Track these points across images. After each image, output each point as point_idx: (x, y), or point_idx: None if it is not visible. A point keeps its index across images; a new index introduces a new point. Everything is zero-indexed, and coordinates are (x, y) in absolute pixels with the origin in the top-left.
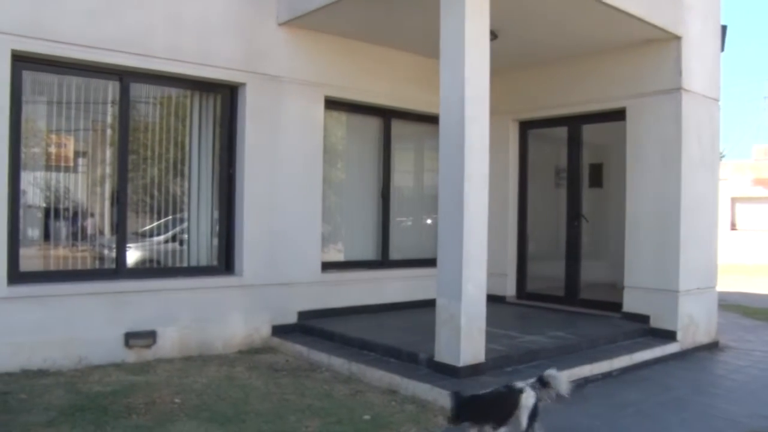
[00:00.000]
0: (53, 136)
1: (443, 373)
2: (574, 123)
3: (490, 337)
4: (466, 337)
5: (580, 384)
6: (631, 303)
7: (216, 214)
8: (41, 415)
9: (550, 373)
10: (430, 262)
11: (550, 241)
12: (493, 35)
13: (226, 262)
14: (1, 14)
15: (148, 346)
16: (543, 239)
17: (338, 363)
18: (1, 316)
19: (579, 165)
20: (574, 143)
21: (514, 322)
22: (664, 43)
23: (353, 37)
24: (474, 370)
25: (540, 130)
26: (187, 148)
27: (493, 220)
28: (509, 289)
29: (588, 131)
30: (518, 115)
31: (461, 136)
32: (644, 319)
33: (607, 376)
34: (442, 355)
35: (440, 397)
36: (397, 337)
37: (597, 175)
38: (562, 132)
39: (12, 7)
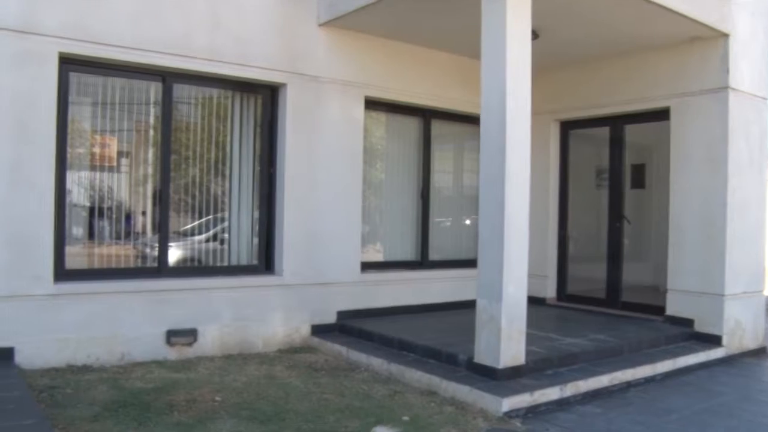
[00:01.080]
0: (97, 137)
1: (483, 374)
2: (617, 123)
3: (530, 339)
4: (506, 339)
5: (623, 388)
6: (674, 306)
7: (256, 214)
8: (86, 410)
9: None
10: (470, 263)
11: (591, 243)
12: (535, 34)
13: (266, 261)
14: (49, 19)
15: (189, 344)
16: (584, 241)
17: (377, 363)
18: (48, 313)
19: (621, 165)
20: (616, 143)
21: (554, 325)
22: (711, 40)
23: (393, 37)
24: (514, 372)
25: (581, 131)
26: (227, 148)
27: (533, 221)
28: (549, 291)
29: (630, 131)
30: (559, 115)
31: (502, 136)
32: (688, 322)
33: (650, 380)
34: (481, 356)
35: (480, 399)
36: (436, 338)
37: (639, 176)
38: (604, 132)
39: (59, 12)
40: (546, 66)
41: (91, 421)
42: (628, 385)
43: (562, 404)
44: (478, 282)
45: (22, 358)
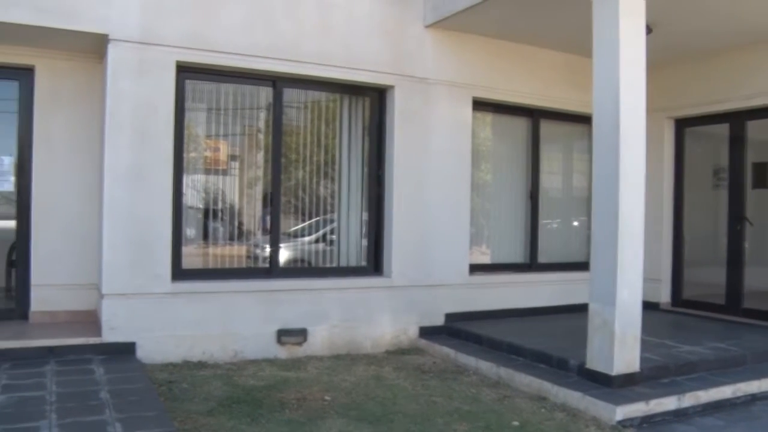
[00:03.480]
0: (210, 141)
1: (595, 381)
2: (737, 119)
3: (644, 345)
4: (620, 345)
5: (747, 401)
6: None
7: (365, 216)
8: (202, 405)
9: None
10: (579, 266)
11: (709, 246)
12: (648, 29)
13: (374, 263)
14: (167, 30)
15: (299, 344)
16: (701, 243)
17: (486, 366)
18: (166, 310)
19: (742, 164)
20: (737, 141)
21: (669, 331)
22: None
23: (500, 36)
24: (628, 379)
25: (698, 128)
26: (336, 150)
27: (647, 222)
28: (663, 296)
29: (753, 128)
30: (674, 112)
31: (615, 134)
32: None
33: None
34: (594, 362)
35: (592, 406)
36: (545, 342)
37: (762, 175)
38: (723, 129)
39: (177, 23)
40: (659, 61)
41: (207, 416)
42: (753, 398)
43: (679, 415)
44: (590, 285)
45: (142, 353)
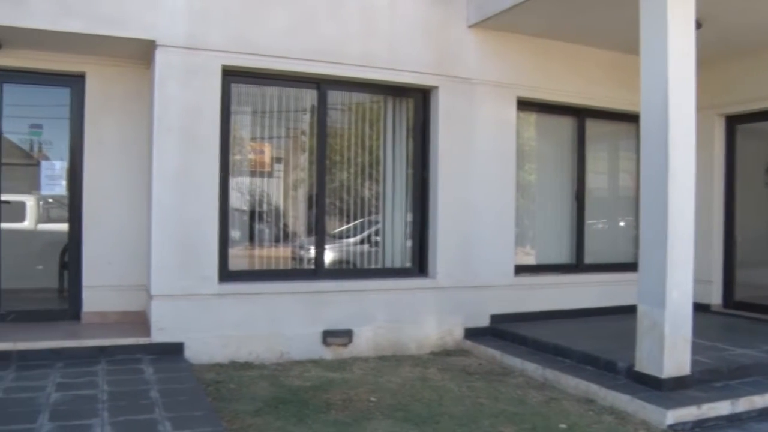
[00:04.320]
0: (255, 144)
1: (644, 384)
2: None
3: (695, 348)
4: (670, 347)
5: None
6: None
7: (409, 217)
8: (249, 405)
9: None
10: (626, 267)
11: (762, 246)
12: (698, 24)
13: (419, 264)
14: (214, 35)
15: (345, 345)
16: (753, 243)
17: (532, 368)
18: (213, 311)
19: None
20: None
21: (721, 333)
22: None
23: (544, 35)
24: (678, 383)
25: (749, 125)
26: (380, 151)
27: (697, 222)
28: (714, 297)
29: None
30: (724, 109)
31: (664, 133)
32: None
33: None
34: (643, 364)
35: (641, 409)
36: (592, 343)
37: None
38: None
39: (223, 28)
40: (709, 57)
41: (254, 416)
42: None
43: (733, 420)
44: (639, 286)
45: (190, 353)
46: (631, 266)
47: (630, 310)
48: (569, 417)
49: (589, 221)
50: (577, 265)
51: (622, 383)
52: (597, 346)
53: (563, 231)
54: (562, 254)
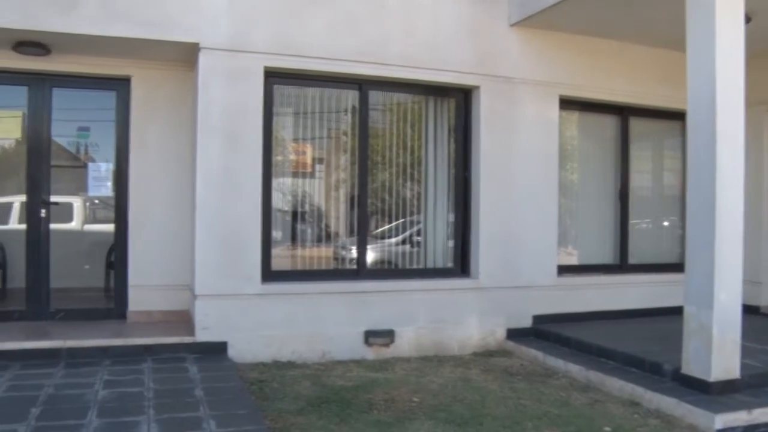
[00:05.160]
0: (296, 145)
1: (691, 387)
2: None
3: (744, 351)
4: (718, 350)
5: None
6: None
7: (451, 217)
8: (291, 404)
9: None
10: (671, 267)
11: None
12: (747, 18)
13: (461, 264)
14: (256, 37)
15: (387, 345)
16: None
17: (575, 370)
18: (257, 311)
19: None
20: None
21: None
22: None
23: (586, 33)
24: (727, 386)
25: None
26: (421, 152)
27: (746, 221)
28: (764, 299)
29: None
30: None
31: (712, 130)
32: None
33: None
34: (689, 367)
35: (689, 413)
36: (637, 345)
37: None
38: None
39: (265, 30)
40: (759, 52)
41: (297, 415)
42: None
43: None
44: (685, 287)
45: (234, 352)
46: (676, 267)
47: (675, 312)
48: (614, 419)
49: (632, 221)
50: (621, 265)
51: (668, 386)
52: (642, 347)
53: (606, 231)
54: (605, 254)
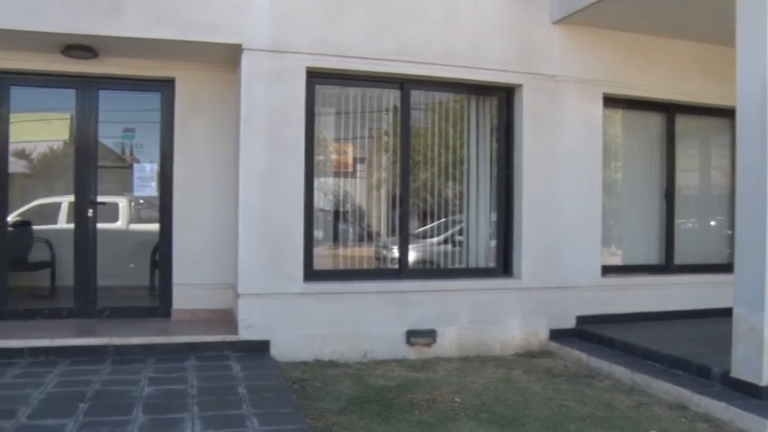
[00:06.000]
0: (337, 144)
1: (740, 391)
2: None
3: None
4: None
5: None
6: None
7: (493, 216)
8: (333, 403)
9: None
10: (718, 268)
11: None
12: None
13: (504, 264)
14: (298, 38)
15: (428, 345)
16: None
17: (619, 372)
18: (299, 310)
19: None
20: None
21: None
22: None
23: (631, 29)
24: None
25: None
26: (463, 151)
27: None
28: None
29: None
30: None
31: (762, 127)
32: None
33: None
34: (739, 370)
35: (739, 418)
36: (683, 347)
37: None
38: None
39: (307, 31)
40: None
41: (338, 414)
42: None
43: None
44: (735, 289)
45: (276, 351)
46: (724, 267)
47: (722, 314)
48: (660, 423)
49: (678, 220)
50: (667, 265)
51: (716, 390)
52: (688, 350)
53: (651, 231)
54: (650, 254)
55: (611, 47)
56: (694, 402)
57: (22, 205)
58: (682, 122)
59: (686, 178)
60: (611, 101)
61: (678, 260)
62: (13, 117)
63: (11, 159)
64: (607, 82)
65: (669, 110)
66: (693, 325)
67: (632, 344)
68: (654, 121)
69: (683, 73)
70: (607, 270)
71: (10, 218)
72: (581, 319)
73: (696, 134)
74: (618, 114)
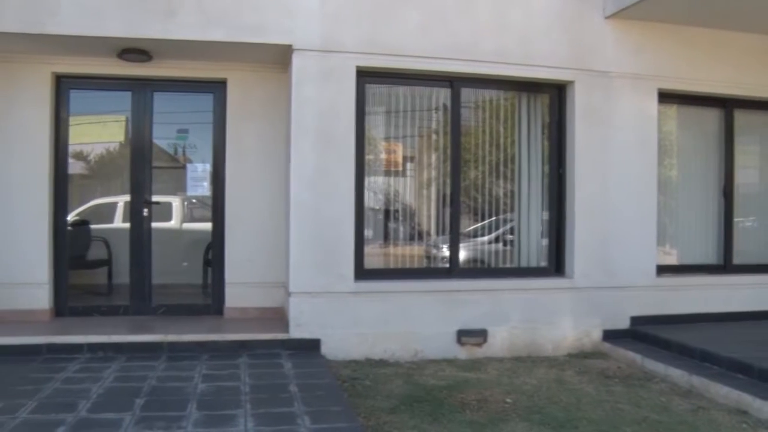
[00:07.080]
0: (387, 143)
1: None
2: None
3: None
4: None
5: None
6: None
7: (545, 215)
8: (384, 402)
9: None
10: None
11: None
12: None
13: (555, 263)
14: (347, 37)
15: (479, 345)
16: None
17: (676, 374)
18: (350, 308)
19: None
20: None
21: None
22: None
23: (686, 22)
24: None
25: None
26: (514, 149)
27: None
28: None
29: None
30: None
31: None
32: None
33: None
34: None
35: None
36: (743, 350)
37: None
38: None
39: (356, 30)
40: None
41: (389, 413)
42: None
43: None
44: None
45: (326, 350)
46: None
47: None
48: (719, 428)
49: (737, 219)
50: (725, 265)
51: None
52: (749, 353)
53: (709, 229)
54: (708, 254)
55: (666, 41)
56: (756, 407)
57: (81, 205)
58: (741, 117)
59: (745, 175)
60: (666, 96)
61: (737, 260)
62: (72, 120)
63: (70, 161)
64: (662, 77)
65: (727, 105)
66: (753, 327)
67: (689, 346)
68: (711, 117)
69: (742, 66)
70: (663, 270)
71: (70, 218)
72: (635, 320)
73: (756, 129)
74: (673, 110)
